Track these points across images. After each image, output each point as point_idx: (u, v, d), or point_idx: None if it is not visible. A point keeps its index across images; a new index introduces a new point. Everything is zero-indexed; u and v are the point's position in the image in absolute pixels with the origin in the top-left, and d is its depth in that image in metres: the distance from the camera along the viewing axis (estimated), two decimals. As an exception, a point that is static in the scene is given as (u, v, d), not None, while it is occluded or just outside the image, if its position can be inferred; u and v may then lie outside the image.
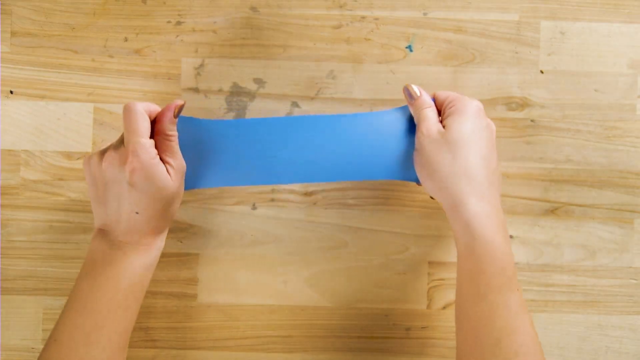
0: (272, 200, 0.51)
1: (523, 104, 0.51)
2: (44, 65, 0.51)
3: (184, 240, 0.52)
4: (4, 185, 0.51)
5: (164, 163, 0.41)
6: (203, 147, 0.44)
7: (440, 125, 0.43)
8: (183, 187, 0.43)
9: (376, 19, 0.51)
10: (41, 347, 0.51)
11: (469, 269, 0.40)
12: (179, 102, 0.42)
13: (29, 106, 0.51)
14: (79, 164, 0.51)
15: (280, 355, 0.52)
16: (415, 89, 0.44)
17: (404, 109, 0.45)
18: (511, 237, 0.52)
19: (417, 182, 0.45)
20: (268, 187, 0.51)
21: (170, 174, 0.41)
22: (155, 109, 0.42)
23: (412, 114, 0.45)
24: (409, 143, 0.45)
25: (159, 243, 0.42)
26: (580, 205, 0.51)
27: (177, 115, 0.41)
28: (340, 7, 0.51)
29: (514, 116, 0.51)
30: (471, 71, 0.51)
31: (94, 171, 0.41)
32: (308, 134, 0.44)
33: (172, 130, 0.41)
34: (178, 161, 0.41)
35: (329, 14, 0.51)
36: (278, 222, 0.52)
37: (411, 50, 0.51)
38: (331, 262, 0.52)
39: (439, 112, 0.44)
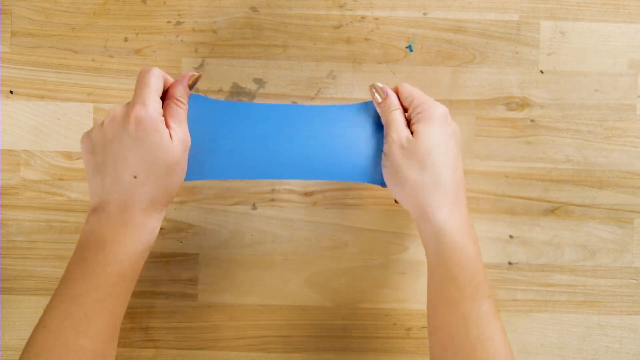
0: (272, 200, 0.52)
1: (523, 104, 0.51)
2: (44, 65, 0.51)
3: (184, 240, 0.52)
4: (4, 185, 0.51)
5: (168, 128, 0.40)
6: (205, 129, 0.44)
7: (408, 131, 0.42)
8: (185, 165, 0.42)
9: (376, 19, 0.51)
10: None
11: (439, 278, 0.40)
12: (195, 73, 0.42)
13: (29, 106, 0.51)
14: (79, 164, 0.51)
15: (280, 355, 0.52)
16: (382, 90, 0.44)
17: (371, 103, 0.45)
18: (511, 237, 0.52)
19: (383, 185, 0.45)
20: (268, 187, 0.51)
21: (172, 138, 0.40)
22: (170, 79, 0.42)
23: (380, 114, 0.44)
24: (377, 143, 0.44)
25: (153, 224, 0.41)
26: (580, 205, 0.51)
27: (191, 86, 0.42)
28: (340, 7, 0.51)
29: (514, 116, 0.51)
30: (471, 71, 0.51)
31: (94, 137, 0.40)
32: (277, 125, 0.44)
33: (183, 97, 0.41)
34: (183, 131, 0.41)
35: (329, 14, 0.51)
36: (278, 222, 0.52)
37: (411, 50, 0.51)
38: (331, 262, 0.52)
39: (405, 108, 0.44)
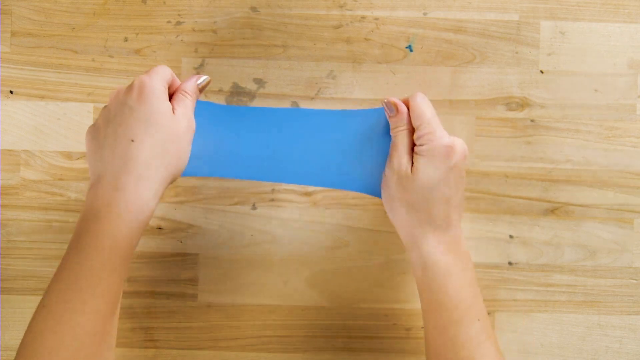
0: (272, 200, 0.52)
1: (523, 104, 0.51)
2: (44, 65, 0.51)
3: (184, 240, 0.52)
4: (4, 185, 0.51)
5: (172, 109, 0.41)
6: (208, 132, 0.44)
7: (409, 159, 0.42)
8: (188, 150, 0.42)
9: (376, 19, 0.51)
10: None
11: (427, 304, 0.42)
12: (207, 77, 0.44)
13: (29, 106, 0.51)
14: (79, 164, 0.51)
15: (280, 355, 0.52)
16: (393, 105, 0.43)
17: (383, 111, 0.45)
18: (511, 237, 0.52)
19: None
20: (268, 187, 0.51)
21: (175, 114, 0.41)
22: (177, 81, 0.43)
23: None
24: (382, 155, 0.44)
25: (148, 197, 0.39)
26: (580, 205, 0.51)
27: (201, 89, 0.43)
28: (340, 7, 0.51)
29: (514, 116, 0.51)
30: (471, 71, 0.51)
31: (98, 122, 0.41)
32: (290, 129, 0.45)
33: (191, 92, 0.42)
34: (187, 114, 0.42)
35: (329, 14, 0.51)
36: (278, 222, 0.52)
37: (411, 50, 0.51)
38: (331, 262, 0.52)
39: (412, 122, 0.43)
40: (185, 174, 0.44)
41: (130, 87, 0.40)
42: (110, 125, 0.40)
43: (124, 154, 0.39)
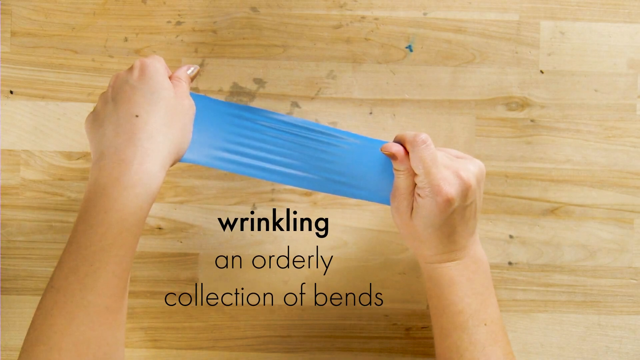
0: (272, 200, 0.52)
1: (523, 104, 0.51)
2: (44, 65, 0.51)
3: (184, 240, 0.52)
4: (4, 185, 0.51)
5: None
6: (212, 126, 0.44)
7: (409, 205, 0.42)
8: (190, 129, 0.42)
9: (376, 19, 0.51)
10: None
11: (433, 308, 0.44)
12: (197, 66, 0.45)
13: (29, 106, 0.51)
14: (79, 164, 0.51)
15: (280, 355, 0.52)
16: (391, 154, 0.42)
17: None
18: (511, 237, 0.52)
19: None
20: (268, 187, 0.51)
21: (175, 94, 0.41)
22: (169, 72, 0.44)
23: None
24: (389, 176, 0.44)
25: (153, 170, 0.39)
26: (580, 205, 0.51)
27: (192, 77, 0.44)
28: (340, 7, 0.51)
29: (514, 116, 0.51)
30: (471, 71, 0.51)
31: (97, 107, 0.41)
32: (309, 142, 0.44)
33: (185, 78, 0.43)
34: (187, 94, 0.42)
35: (329, 14, 0.51)
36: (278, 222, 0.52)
37: (411, 50, 0.51)
38: (331, 262, 0.52)
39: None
40: (184, 159, 0.43)
41: (131, 68, 0.41)
42: (112, 105, 0.40)
43: (128, 129, 0.39)
